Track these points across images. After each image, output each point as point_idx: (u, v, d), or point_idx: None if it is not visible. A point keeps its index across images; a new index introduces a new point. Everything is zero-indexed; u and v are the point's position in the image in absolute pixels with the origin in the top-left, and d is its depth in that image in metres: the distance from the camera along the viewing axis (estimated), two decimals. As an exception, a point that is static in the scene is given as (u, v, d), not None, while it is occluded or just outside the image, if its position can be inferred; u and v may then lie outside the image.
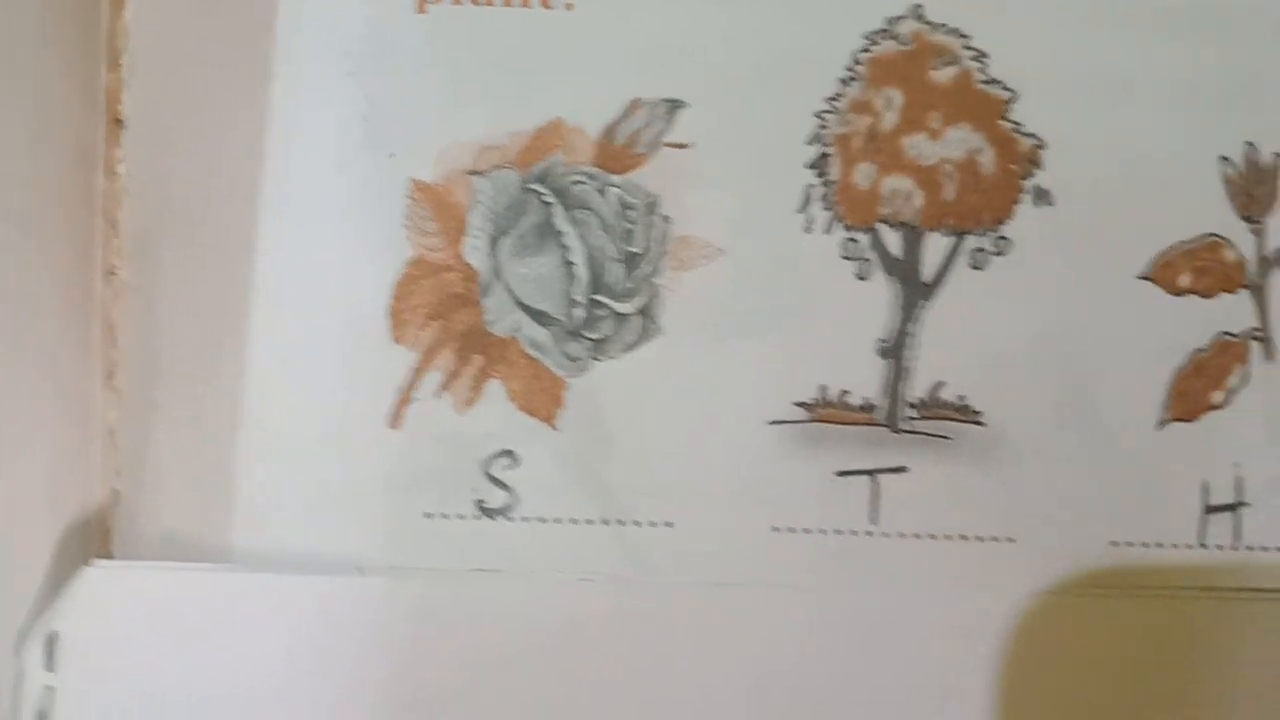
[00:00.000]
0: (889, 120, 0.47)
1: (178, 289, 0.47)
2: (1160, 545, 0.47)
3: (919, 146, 0.47)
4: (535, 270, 0.47)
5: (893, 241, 0.47)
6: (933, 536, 0.47)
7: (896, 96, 0.47)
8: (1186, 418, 0.47)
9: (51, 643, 0.45)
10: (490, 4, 0.47)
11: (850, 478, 0.47)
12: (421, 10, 0.47)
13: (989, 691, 0.46)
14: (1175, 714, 0.46)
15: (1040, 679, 0.46)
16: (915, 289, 0.47)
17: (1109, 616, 0.47)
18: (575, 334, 0.47)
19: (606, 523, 0.47)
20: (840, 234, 0.47)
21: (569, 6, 0.47)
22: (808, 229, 0.47)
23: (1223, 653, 0.46)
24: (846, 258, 0.47)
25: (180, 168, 0.47)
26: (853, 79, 0.47)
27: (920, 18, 0.47)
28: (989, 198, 0.47)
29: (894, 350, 0.47)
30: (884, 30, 0.47)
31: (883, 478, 0.47)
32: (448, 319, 0.47)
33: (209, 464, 0.47)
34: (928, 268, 0.47)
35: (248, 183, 0.47)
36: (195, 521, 0.47)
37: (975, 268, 0.47)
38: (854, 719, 0.46)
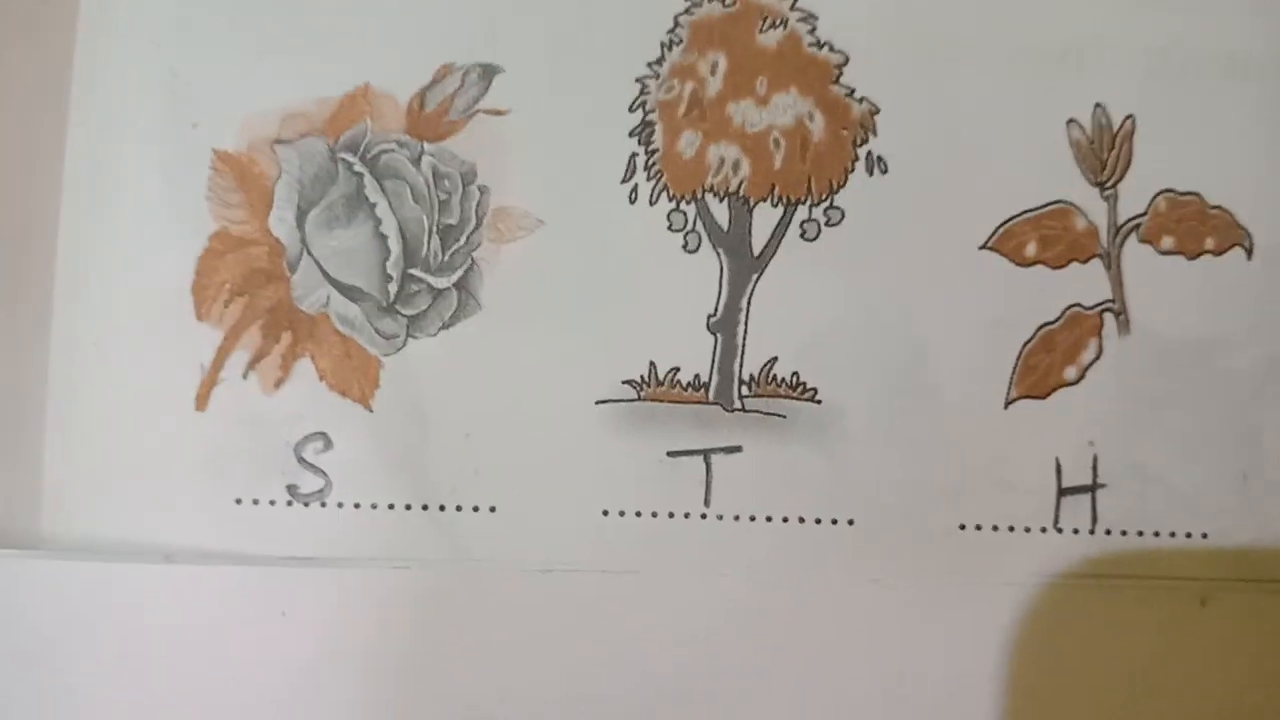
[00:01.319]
0: (713, 86, 0.45)
1: (-21, 267, 0.45)
2: (1012, 529, 0.45)
3: (745, 113, 0.45)
4: (345, 243, 0.45)
5: (720, 212, 0.45)
6: (768, 519, 0.45)
7: (721, 61, 0.45)
8: (1036, 395, 0.45)
9: None
10: (296, -32, 0.45)
11: (682, 458, 0.45)
12: (225, -24, 0.45)
13: (826, 679, 0.44)
14: (1030, 700, 0.44)
15: (880, 667, 0.44)
16: (744, 262, 0.45)
17: (958, 603, 0.44)
18: (389, 310, 0.45)
19: (425, 508, 0.45)
20: (666, 205, 0.45)
21: (377, -31, 0.45)
22: (632, 199, 0.45)
23: (1076, 639, 0.44)
24: (673, 230, 0.45)
25: (-18, 143, 0.45)
26: (675, 42, 0.45)
27: (745, -23, 0.45)
28: (820, 166, 0.45)
29: (724, 326, 0.45)
30: (707, -10, 0.45)
31: (715, 458, 0.45)
32: (253, 295, 0.45)
33: (15, 449, 0.45)
34: (757, 239, 0.45)
35: (51, 155, 0.45)
36: (4, 508, 0.45)
37: (807, 239, 0.45)
38: (689, 704, 0.44)
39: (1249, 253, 0.45)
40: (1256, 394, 0.45)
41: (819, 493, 0.45)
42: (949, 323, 0.45)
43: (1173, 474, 0.45)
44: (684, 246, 0.45)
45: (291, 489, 0.45)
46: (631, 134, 0.45)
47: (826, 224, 0.45)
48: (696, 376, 0.45)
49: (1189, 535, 0.45)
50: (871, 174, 0.45)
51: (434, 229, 0.45)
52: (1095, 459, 0.45)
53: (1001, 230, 0.45)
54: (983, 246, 0.45)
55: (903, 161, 0.45)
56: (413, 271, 0.45)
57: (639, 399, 0.45)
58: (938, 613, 0.45)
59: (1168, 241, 0.46)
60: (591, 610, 0.45)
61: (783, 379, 0.45)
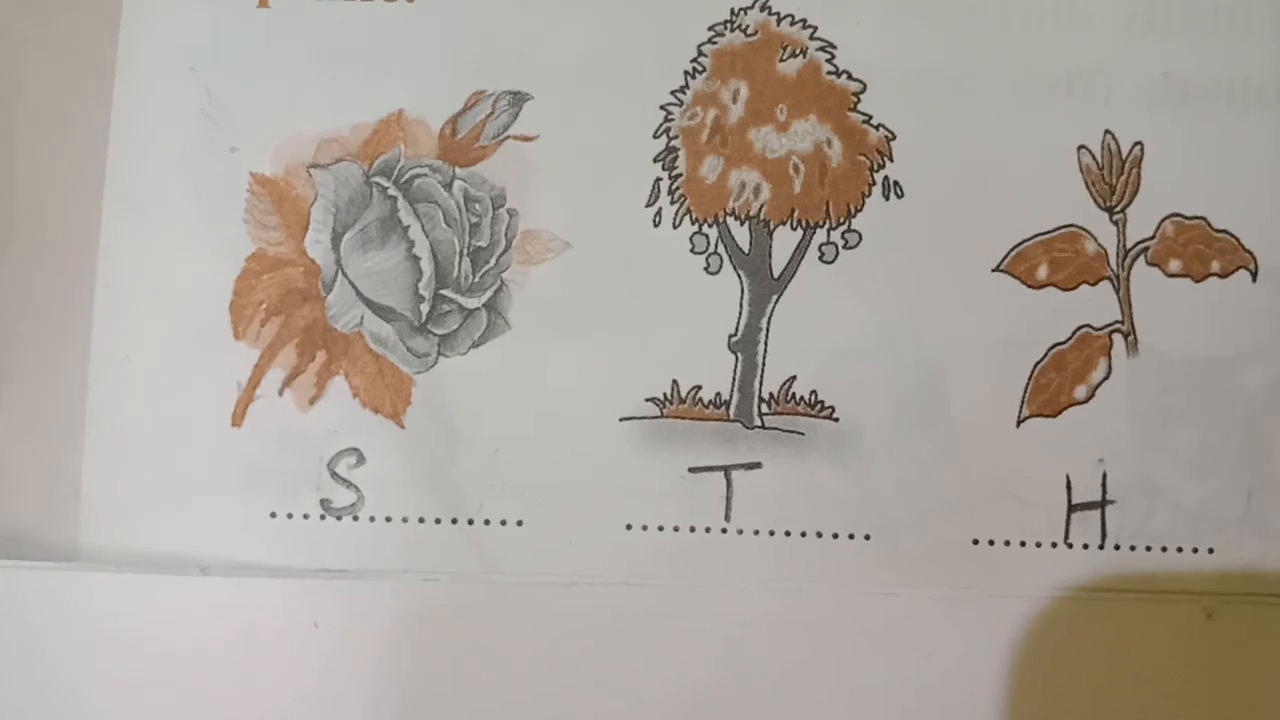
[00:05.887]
0: (735, 113, 0.46)
1: (22, 287, 0.46)
2: (1024, 544, 0.46)
3: (766, 139, 0.46)
4: (379, 264, 0.46)
5: (741, 235, 0.46)
6: (787, 534, 0.46)
7: (742, 89, 0.46)
8: (1047, 413, 0.46)
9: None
10: (331, -3, 0.47)
11: (703, 474, 0.46)
12: (263, 4, 0.47)
13: (841, 687, 0.45)
14: (1040, 710, 0.45)
15: (895, 679, 0.45)
16: (764, 283, 0.46)
17: (970, 615, 0.45)
18: (421, 329, 0.46)
19: (455, 521, 0.46)
20: (689, 228, 0.46)
21: (410, -1, 0.47)
22: (656, 223, 0.46)
23: (1085, 653, 0.45)
24: (695, 252, 0.46)
25: (25, 166, 0.47)
26: (698, 71, 0.46)
27: (766, 8, 0.47)
28: (838, 190, 0.46)
29: (745, 345, 0.46)
30: (729, 21, 0.47)
31: (736, 474, 0.46)
32: (289, 314, 0.46)
33: (56, 463, 0.46)
34: (777, 261, 0.46)
35: (91, 179, 0.47)
36: (43, 520, 0.46)
37: (825, 261, 0.46)
38: (710, 711, 0.45)
39: (1254, 275, 0.47)
40: (1262, 412, 0.46)
41: (836, 508, 0.46)
42: (963, 343, 0.46)
43: (1180, 490, 0.46)
44: (706, 268, 0.46)
45: (325, 503, 0.46)
46: (656, 159, 0.46)
47: (844, 247, 0.46)
48: (718, 394, 0.46)
49: (1195, 550, 0.46)
50: (888, 199, 0.46)
51: (465, 251, 0.46)
52: (1105, 476, 0.46)
53: (1014, 253, 0.46)
54: (995, 269, 0.47)
55: (918, 186, 0.47)
56: (444, 292, 0.46)
57: (662, 416, 0.46)
58: (951, 625, 0.46)
59: (1175, 264, 0.47)
60: (615, 621, 0.46)
61: (801, 397, 0.46)
